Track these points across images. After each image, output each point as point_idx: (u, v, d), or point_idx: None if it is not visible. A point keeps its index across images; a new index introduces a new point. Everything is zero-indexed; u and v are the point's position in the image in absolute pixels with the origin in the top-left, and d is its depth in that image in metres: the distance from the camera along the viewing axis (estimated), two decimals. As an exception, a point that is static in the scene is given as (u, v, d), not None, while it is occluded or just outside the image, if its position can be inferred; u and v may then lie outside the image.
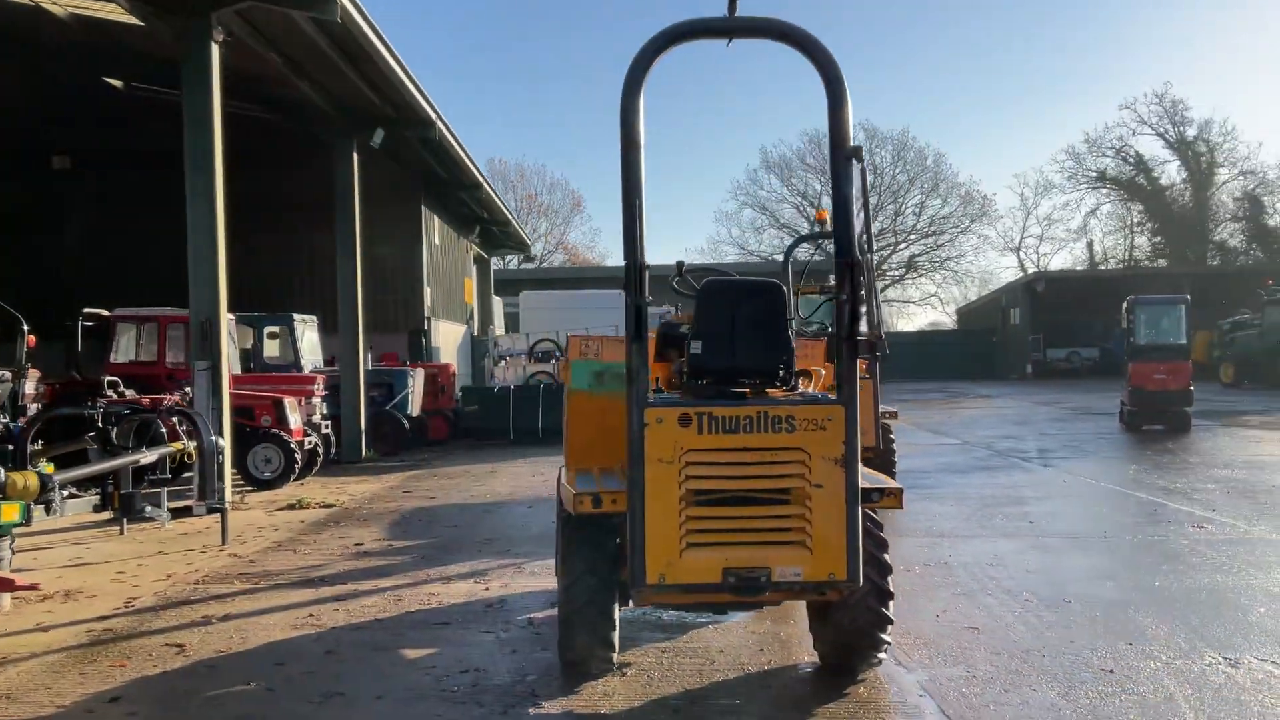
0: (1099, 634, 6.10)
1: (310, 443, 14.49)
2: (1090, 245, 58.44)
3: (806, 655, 5.68)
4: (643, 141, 4.69)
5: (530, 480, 13.85)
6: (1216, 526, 9.54)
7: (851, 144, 4.75)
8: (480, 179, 23.33)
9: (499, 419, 19.98)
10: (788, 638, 6.10)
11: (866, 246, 4.70)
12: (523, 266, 51.54)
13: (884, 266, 57.88)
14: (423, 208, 23.32)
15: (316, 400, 15.46)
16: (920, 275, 58.66)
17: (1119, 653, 5.72)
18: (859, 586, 4.81)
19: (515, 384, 21.53)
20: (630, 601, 5.45)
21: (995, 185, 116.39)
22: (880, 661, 5.39)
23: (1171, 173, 54.72)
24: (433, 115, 17.27)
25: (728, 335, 4.92)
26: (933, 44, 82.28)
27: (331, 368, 18.62)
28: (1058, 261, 58.93)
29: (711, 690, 5.21)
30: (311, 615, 6.74)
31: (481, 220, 28.90)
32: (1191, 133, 53.35)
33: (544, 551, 8.70)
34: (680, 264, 5.97)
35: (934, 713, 4.87)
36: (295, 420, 14.07)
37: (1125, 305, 19.98)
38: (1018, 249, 61.51)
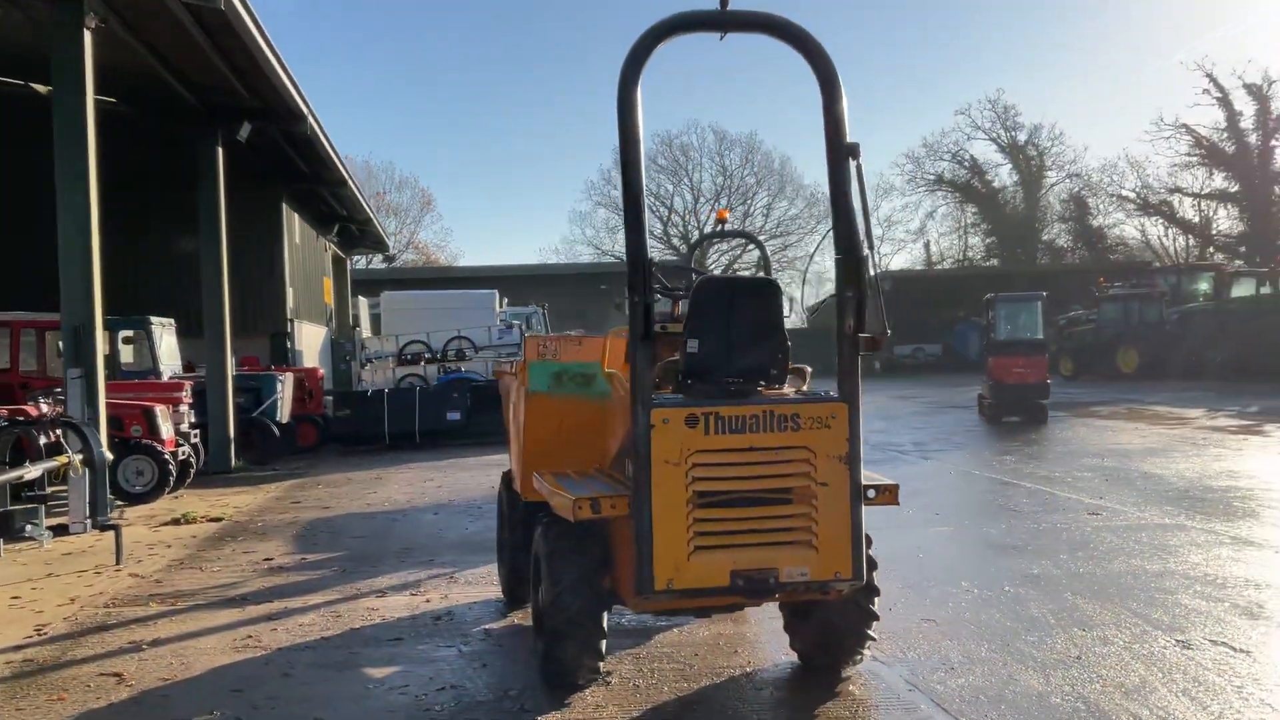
0: (1050, 621, 6.28)
1: (183, 453, 13.73)
2: (927, 246, 60.85)
3: (783, 655, 5.65)
4: (641, 136, 4.57)
5: (424, 487, 13.47)
6: (1110, 513, 9.99)
7: (848, 140, 4.72)
8: (346, 176, 22.61)
9: (373, 424, 19.38)
10: (755, 638, 6.07)
11: (867, 243, 4.67)
12: (371, 266, 50.33)
13: (735, 266, 58.89)
14: (283, 205, 22.44)
15: (184, 408, 14.66)
16: (773, 274, 60.08)
17: (1077, 638, 5.90)
18: (862, 584, 4.80)
19: (387, 387, 20.95)
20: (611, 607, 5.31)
21: None
22: (863, 658, 5.41)
23: (1004, 176, 57.55)
24: (304, 109, 16.60)
25: (724, 333, 4.84)
26: (779, 48, 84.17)
27: (192, 374, 17.72)
28: (898, 261, 61.10)
29: (704, 696, 5.12)
30: (250, 636, 6.34)
31: (341, 218, 28.03)
32: (1022, 138, 56.25)
33: (471, 560, 8.45)
34: (650, 260, 5.84)
35: (928, 705, 4.91)
36: (167, 430, 13.31)
37: (985, 302, 20.80)
38: (860, 250, 63.39)
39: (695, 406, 4.59)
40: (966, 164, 57.21)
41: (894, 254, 63.79)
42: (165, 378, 16.47)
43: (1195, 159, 54.55)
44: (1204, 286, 34.03)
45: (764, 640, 5.99)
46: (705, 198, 60.66)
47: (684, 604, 4.96)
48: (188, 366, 18.30)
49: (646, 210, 4.60)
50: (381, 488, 13.57)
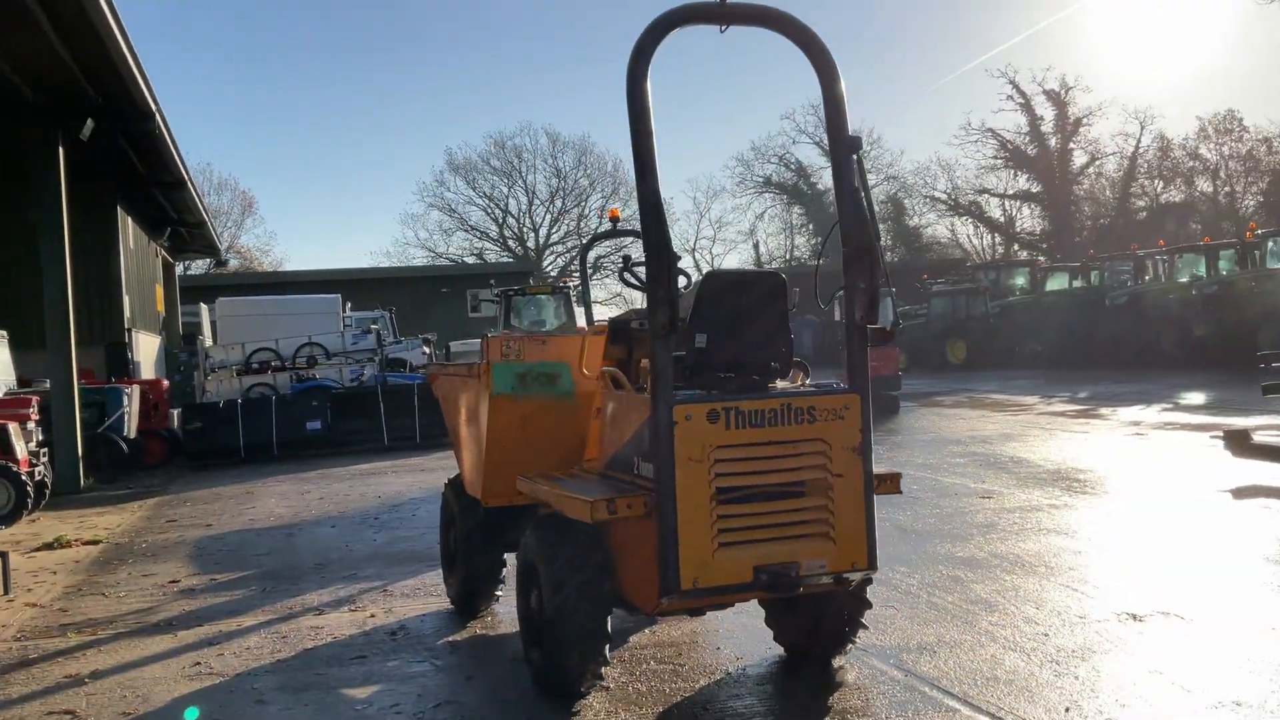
0: (1000, 599, 6.53)
1: (39, 473, 12.78)
2: (756, 246, 62.40)
3: (766, 648, 5.67)
4: (654, 130, 4.52)
5: (304, 500, 12.92)
6: (1000, 496, 10.45)
7: (850, 134, 4.79)
8: (186, 177, 21.46)
9: (228, 436, 18.47)
10: (730, 633, 6.08)
11: (875, 235, 4.74)
12: (190, 272, 48.01)
13: (570, 268, 58.91)
14: (118, 208, 21.13)
15: (32, 425, 13.63)
16: (606, 275, 60.30)
17: (1033, 616, 6.15)
18: (875, 573, 4.88)
19: (236, 398, 20.00)
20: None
21: (671, 190, 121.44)
22: (852, 647, 5.49)
23: (828, 178, 59.40)
24: (153, 106, 15.68)
25: (732, 327, 4.82)
26: (615, 52, 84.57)
27: (30, 388, 16.48)
28: (729, 261, 62.42)
29: (709, 695, 5.11)
30: (198, 663, 5.95)
31: (172, 222, 26.59)
32: (844, 141, 58.21)
33: (396, 573, 8.17)
34: (627, 258, 5.79)
35: (930, 688, 5.02)
36: (21, 449, 12.36)
37: (837, 297, 21.43)
38: (693, 250, 64.63)
39: (716, 401, 4.56)
40: (793, 167, 59.12)
41: (725, 254, 65.16)
42: (1, 394, 15.29)
43: (1000, 161, 57.92)
44: (1021, 281, 36.07)
45: (739, 635, 6.00)
46: (540, 200, 60.55)
47: (706, 602, 4.92)
48: (22, 381, 17.02)
49: (662, 211, 4.53)
50: (257, 502, 12.95)
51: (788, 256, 60.37)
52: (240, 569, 8.72)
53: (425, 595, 7.39)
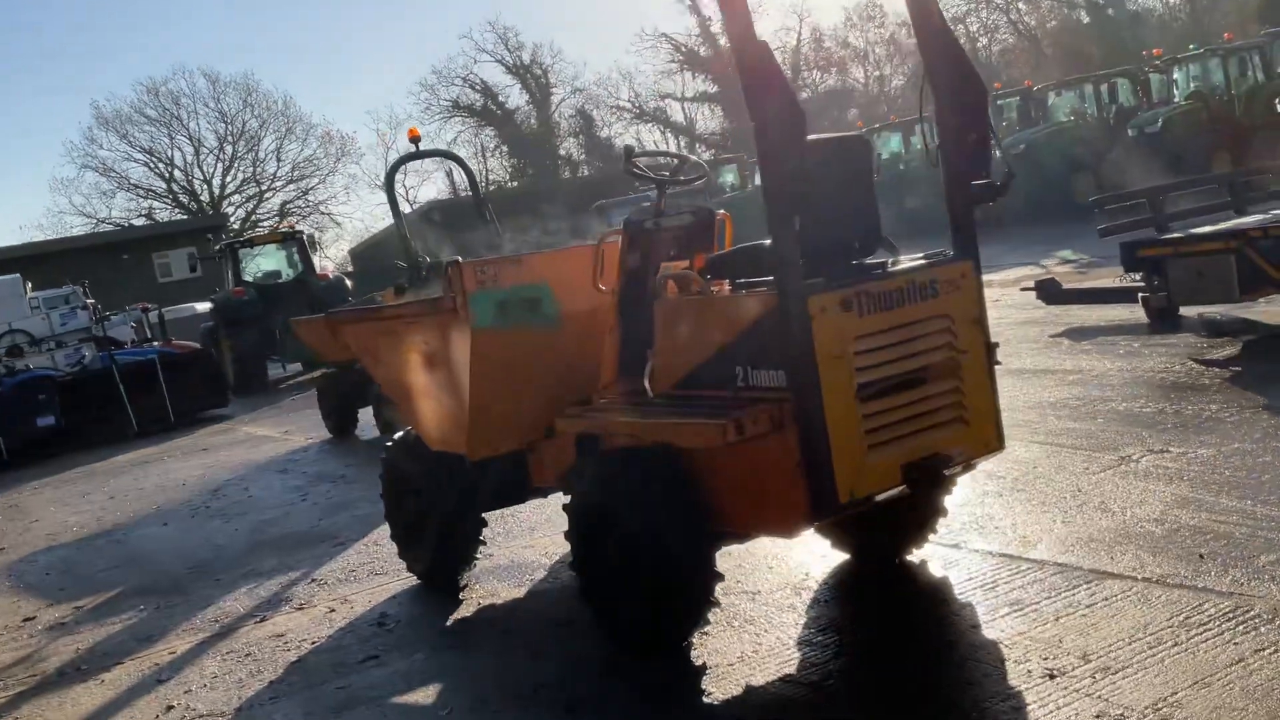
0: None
1: None
2: (450, 174, 60.66)
3: (820, 555, 5.23)
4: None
5: (93, 501, 11.08)
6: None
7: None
8: None
9: (-60, 446, 15.73)
10: (770, 551, 5.56)
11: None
12: None
13: (254, 217, 55.06)
14: None
15: None
16: (298, 221, 56.73)
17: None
18: (1002, 451, 4.53)
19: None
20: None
21: (353, 124, 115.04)
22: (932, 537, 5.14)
23: (516, 96, 58.55)
24: None
25: (825, 202, 4.23)
26: None
27: None
28: (426, 192, 60.37)
29: (823, 616, 4.63)
30: (171, 707, 4.81)
31: None
32: (526, 57, 57.40)
33: (302, 561, 7.10)
34: (629, 148, 5.02)
35: (1030, 564, 4.78)
36: None
37: (598, 208, 21.08)
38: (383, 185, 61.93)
39: (848, 288, 4.00)
40: (479, 88, 57.48)
41: (420, 185, 63.15)
42: None
43: (677, 65, 59.12)
44: (730, 178, 37.05)
45: (783, 552, 5.50)
46: (208, 148, 55.66)
47: (853, 513, 4.38)
48: None
49: (770, 52, 3.85)
50: (35, 514, 11.00)
51: (484, 180, 59.16)
52: (98, 590, 7.27)
53: (369, 577, 6.42)
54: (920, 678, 3.97)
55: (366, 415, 12.49)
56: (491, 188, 57.01)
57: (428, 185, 62.48)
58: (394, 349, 5.83)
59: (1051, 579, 4.54)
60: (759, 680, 4.08)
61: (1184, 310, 9.80)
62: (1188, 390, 7.36)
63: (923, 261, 4.31)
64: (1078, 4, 54.73)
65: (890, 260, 4.47)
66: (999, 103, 29.27)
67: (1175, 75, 24.60)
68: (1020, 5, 56.54)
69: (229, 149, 55.72)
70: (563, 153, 58.34)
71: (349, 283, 22.31)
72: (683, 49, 58.67)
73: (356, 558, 6.90)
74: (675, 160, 5.22)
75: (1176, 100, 24.01)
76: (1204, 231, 9.74)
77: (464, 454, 5.51)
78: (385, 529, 6.59)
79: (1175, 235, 10.08)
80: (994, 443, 4.39)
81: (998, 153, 4.52)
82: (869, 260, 4.43)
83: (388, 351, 5.92)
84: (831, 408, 3.91)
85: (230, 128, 55.26)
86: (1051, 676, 3.67)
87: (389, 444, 6.20)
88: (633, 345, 5.02)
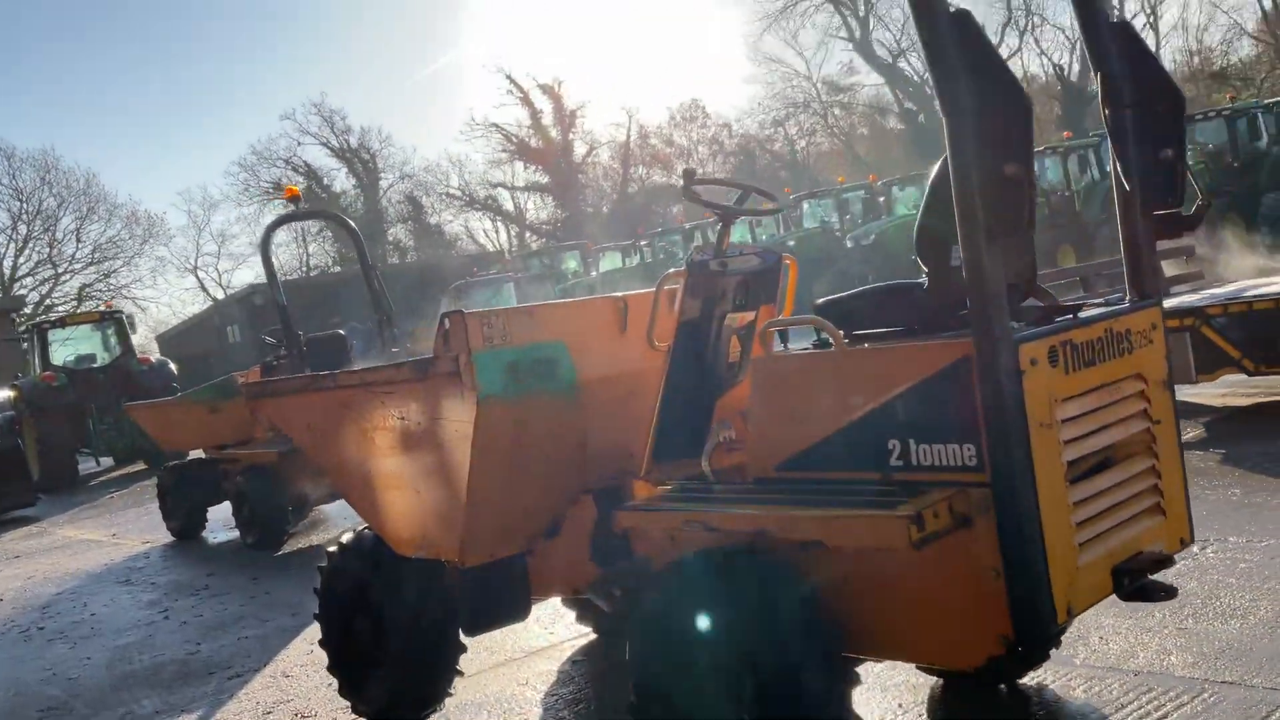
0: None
1: None
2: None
3: (910, 678, 4.24)
4: None
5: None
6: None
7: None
8: None
9: None
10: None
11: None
12: None
13: (48, 301, 50.95)
14: None
15: None
16: (97, 306, 52.66)
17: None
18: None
19: None
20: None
21: (162, 204, 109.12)
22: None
23: (342, 180, 56.65)
24: None
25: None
26: (77, 54, 73.96)
27: None
28: (242, 277, 57.12)
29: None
30: None
31: None
32: (354, 141, 55.75)
33: (200, 699, 5.58)
34: (689, 171, 3.99)
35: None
36: None
37: (455, 289, 19.97)
38: (195, 269, 58.62)
39: (1053, 334, 3.07)
40: (302, 170, 55.31)
41: (234, 269, 60.00)
42: None
43: (508, 155, 58.62)
44: (574, 265, 36.39)
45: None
46: (-1, 228, 51.26)
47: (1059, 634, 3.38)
48: None
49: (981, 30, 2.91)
50: None
51: (302, 267, 56.69)
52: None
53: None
54: None
55: (218, 513, 10.90)
56: (314, 272, 54.71)
57: (242, 269, 59.14)
58: (353, 426, 4.55)
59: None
60: None
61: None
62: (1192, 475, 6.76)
63: (1116, 306, 3.43)
64: (890, 110, 57.51)
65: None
66: (844, 196, 29.86)
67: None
68: (836, 111, 58.99)
69: (23, 228, 51.62)
70: (391, 238, 56.63)
71: (174, 367, 20.24)
72: (514, 139, 58.28)
73: (266, 694, 5.45)
74: (740, 191, 4.21)
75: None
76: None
77: (449, 560, 4.30)
78: (292, 656, 5.32)
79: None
80: (1187, 535, 3.51)
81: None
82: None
83: (343, 430, 4.62)
84: (1046, 493, 2.94)
85: (26, 206, 51.28)
86: None
87: (332, 548, 4.86)
88: (685, 417, 4.00)
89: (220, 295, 54.38)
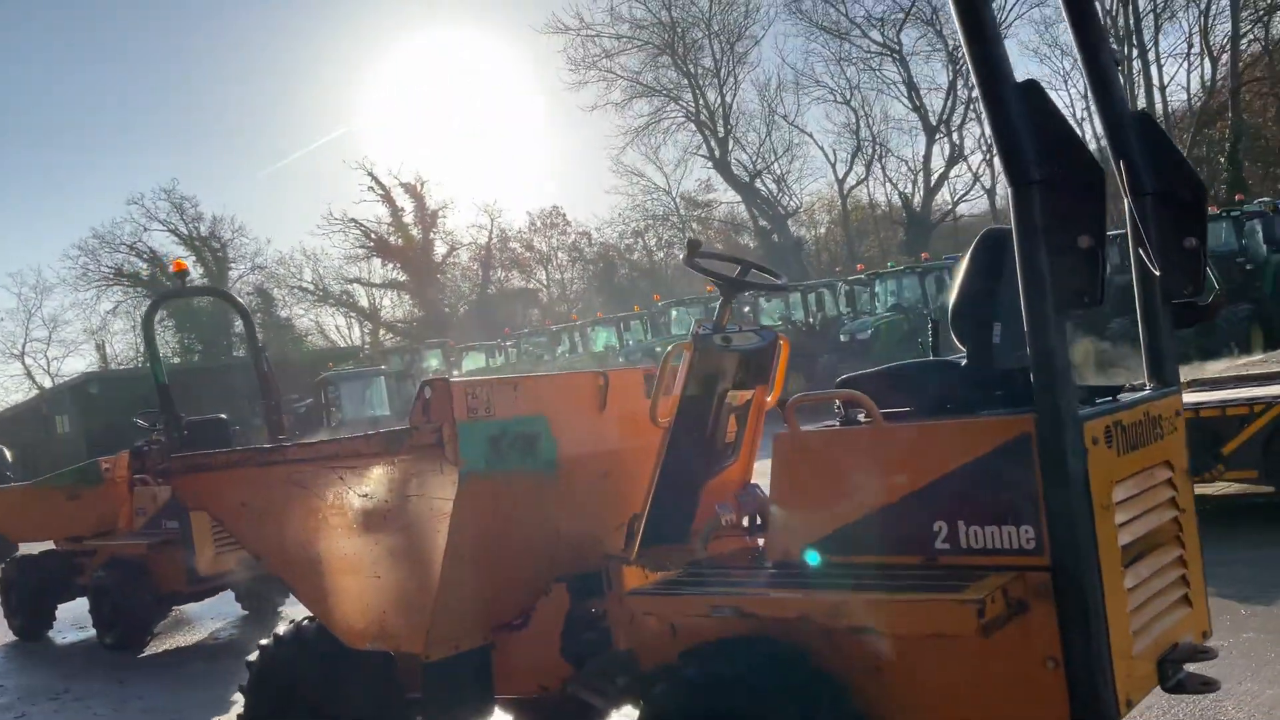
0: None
1: None
2: (101, 346, 55.09)
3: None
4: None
5: None
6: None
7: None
8: None
9: None
10: None
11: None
12: None
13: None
14: None
15: None
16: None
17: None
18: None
19: None
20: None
21: None
22: None
23: (193, 269, 54.46)
24: None
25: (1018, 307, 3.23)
26: None
27: None
28: (73, 365, 54.01)
29: None
30: None
31: None
32: (204, 229, 54.01)
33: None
34: (694, 241, 3.83)
35: None
36: None
37: (320, 382, 19.26)
38: (22, 354, 55.20)
39: (1107, 414, 2.98)
40: (146, 256, 53.17)
41: (65, 356, 56.79)
42: None
43: (365, 251, 57.73)
44: (435, 363, 35.73)
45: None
46: None
47: None
48: None
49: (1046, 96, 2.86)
50: None
51: (138, 357, 54.11)
52: None
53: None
54: None
55: (67, 611, 10.00)
56: (145, 365, 52.35)
57: (73, 357, 56.07)
58: (300, 505, 4.14)
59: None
60: None
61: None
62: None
63: (1146, 392, 3.38)
64: (745, 227, 59.26)
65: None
66: (710, 307, 30.39)
67: (877, 289, 26.44)
68: (695, 225, 60.41)
69: None
70: (236, 330, 54.70)
71: (8, 453, 18.78)
72: (372, 235, 57.51)
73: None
74: (739, 265, 4.06)
75: (879, 311, 25.70)
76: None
77: (409, 652, 3.93)
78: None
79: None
80: (1208, 628, 3.45)
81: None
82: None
83: (288, 510, 4.20)
84: (1110, 579, 2.82)
85: None
86: None
87: (265, 642, 4.38)
88: (680, 498, 3.80)
89: (48, 383, 51.39)
